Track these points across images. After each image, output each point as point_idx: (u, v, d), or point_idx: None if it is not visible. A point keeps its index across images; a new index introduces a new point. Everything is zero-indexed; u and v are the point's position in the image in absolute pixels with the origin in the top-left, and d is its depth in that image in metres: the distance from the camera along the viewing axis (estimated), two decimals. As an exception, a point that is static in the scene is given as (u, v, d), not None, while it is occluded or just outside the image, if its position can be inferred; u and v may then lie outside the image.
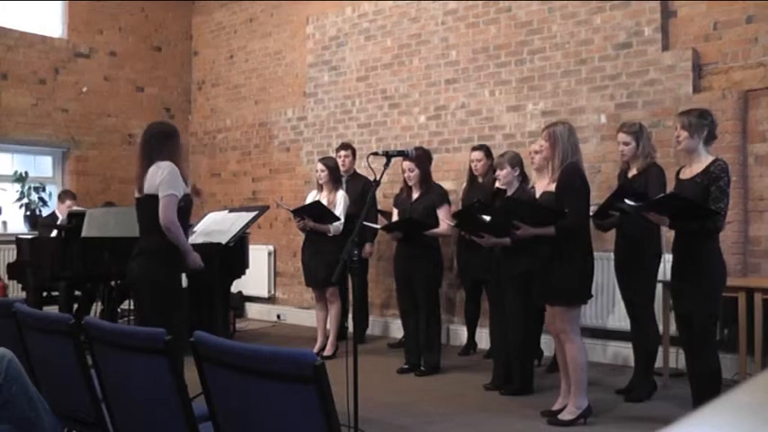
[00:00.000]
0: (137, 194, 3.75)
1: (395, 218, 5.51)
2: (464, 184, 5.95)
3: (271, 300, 8.13)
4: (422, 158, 5.33)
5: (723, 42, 5.23)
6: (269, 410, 1.80)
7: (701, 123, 3.76)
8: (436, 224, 5.19)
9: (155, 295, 3.63)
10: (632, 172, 4.54)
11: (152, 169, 3.64)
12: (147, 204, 3.66)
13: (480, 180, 5.67)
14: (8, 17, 7.83)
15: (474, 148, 5.76)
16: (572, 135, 4.04)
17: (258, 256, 7.68)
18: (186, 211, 3.78)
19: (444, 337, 5.92)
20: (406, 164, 5.24)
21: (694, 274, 3.70)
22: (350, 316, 6.16)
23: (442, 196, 5.31)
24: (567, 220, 3.92)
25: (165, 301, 3.60)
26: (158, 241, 3.63)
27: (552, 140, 4.03)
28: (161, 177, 3.59)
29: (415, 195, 5.33)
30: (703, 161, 3.76)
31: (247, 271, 6.59)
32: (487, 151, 5.69)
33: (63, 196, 7.09)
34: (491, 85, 6.38)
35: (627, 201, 3.93)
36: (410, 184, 5.33)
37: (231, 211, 6.53)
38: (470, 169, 5.74)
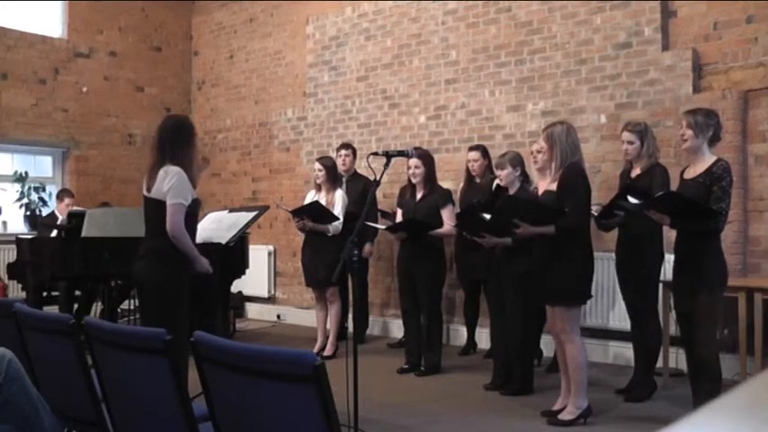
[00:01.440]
0: (145, 192, 3.73)
1: (398, 218, 5.51)
2: (461, 185, 5.95)
3: (271, 300, 8.13)
4: (428, 158, 5.32)
5: (723, 42, 5.23)
6: (269, 410, 1.80)
7: (707, 123, 3.76)
8: (440, 224, 5.18)
9: (160, 296, 3.62)
10: (636, 171, 4.53)
11: (161, 173, 3.61)
12: (153, 207, 3.65)
13: (478, 180, 5.67)
14: (8, 17, 7.83)
15: (471, 149, 5.76)
16: (570, 135, 4.02)
17: (258, 256, 7.68)
18: (193, 217, 3.76)
19: (444, 337, 5.91)
20: (413, 161, 5.18)
21: (695, 273, 3.71)
22: (350, 316, 6.16)
23: (446, 197, 5.30)
24: (567, 220, 3.91)
25: (170, 303, 3.58)
26: (164, 243, 3.62)
27: (550, 142, 4.03)
28: (169, 185, 3.56)
29: (419, 195, 5.30)
30: (706, 161, 3.76)
31: (247, 271, 6.58)
32: (484, 151, 5.69)
33: (61, 195, 7.11)
34: (491, 85, 6.38)
35: (630, 198, 3.93)
36: (414, 181, 5.30)
37: (231, 211, 6.52)
38: (467, 169, 5.74)
